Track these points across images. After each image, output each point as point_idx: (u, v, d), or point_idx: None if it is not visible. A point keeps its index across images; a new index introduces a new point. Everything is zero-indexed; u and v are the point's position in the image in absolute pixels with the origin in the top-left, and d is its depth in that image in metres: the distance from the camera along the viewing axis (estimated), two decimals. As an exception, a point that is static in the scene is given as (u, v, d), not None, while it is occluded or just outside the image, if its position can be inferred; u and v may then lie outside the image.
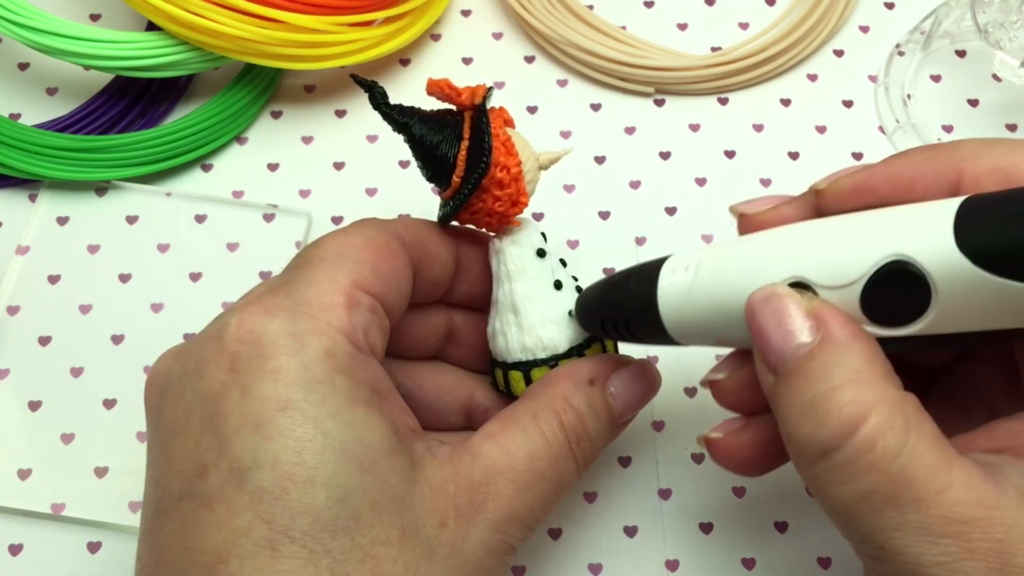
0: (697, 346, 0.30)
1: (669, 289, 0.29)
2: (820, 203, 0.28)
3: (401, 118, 0.31)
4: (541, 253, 0.33)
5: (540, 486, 0.29)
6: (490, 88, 0.31)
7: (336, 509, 0.25)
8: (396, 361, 0.34)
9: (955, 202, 0.24)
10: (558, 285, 0.33)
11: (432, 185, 0.33)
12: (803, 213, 0.29)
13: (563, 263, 0.34)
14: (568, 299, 0.33)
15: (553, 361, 0.33)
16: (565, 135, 0.46)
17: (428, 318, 0.35)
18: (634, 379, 0.32)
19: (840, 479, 0.24)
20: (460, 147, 0.31)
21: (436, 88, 0.32)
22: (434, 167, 0.32)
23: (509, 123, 0.32)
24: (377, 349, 0.29)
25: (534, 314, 0.32)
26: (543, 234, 0.34)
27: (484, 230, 0.34)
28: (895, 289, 0.24)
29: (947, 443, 0.24)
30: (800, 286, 0.26)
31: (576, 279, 0.34)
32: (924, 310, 0.24)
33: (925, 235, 0.24)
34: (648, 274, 0.29)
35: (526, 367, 0.33)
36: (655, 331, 0.29)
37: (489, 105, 0.31)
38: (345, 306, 0.28)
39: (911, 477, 0.23)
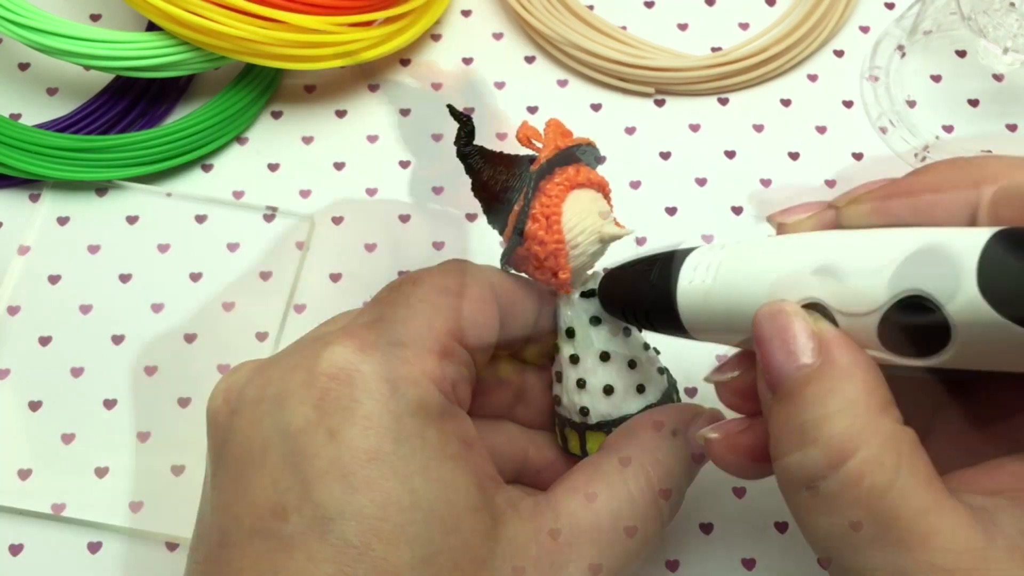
0: (715, 343, 0.30)
1: (688, 289, 0.28)
2: (840, 220, 0.28)
3: (474, 164, 0.31)
4: (595, 321, 0.32)
5: (623, 545, 0.28)
6: (576, 147, 0.31)
7: (419, 570, 0.25)
8: (524, 428, 0.34)
9: (980, 239, 0.23)
10: (604, 357, 0.32)
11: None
12: (828, 225, 0.28)
13: (628, 332, 0.33)
14: (613, 371, 0.32)
15: (607, 427, 0.32)
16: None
17: (500, 374, 0.34)
18: (703, 420, 0.31)
19: (824, 510, 0.24)
20: (513, 209, 0.30)
21: (523, 138, 0.31)
22: (490, 217, 0.31)
23: (585, 184, 0.31)
24: (465, 402, 0.28)
25: (573, 379, 0.32)
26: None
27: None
28: (914, 322, 0.23)
29: (940, 484, 0.24)
30: (816, 306, 0.25)
31: (649, 347, 0.33)
32: (944, 344, 0.23)
33: (947, 275, 0.23)
34: (669, 270, 0.29)
35: (595, 428, 0.32)
36: (673, 327, 0.29)
37: (573, 163, 0.31)
38: (440, 355, 0.27)
39: (897, 516, 0.23)
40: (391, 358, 0.26)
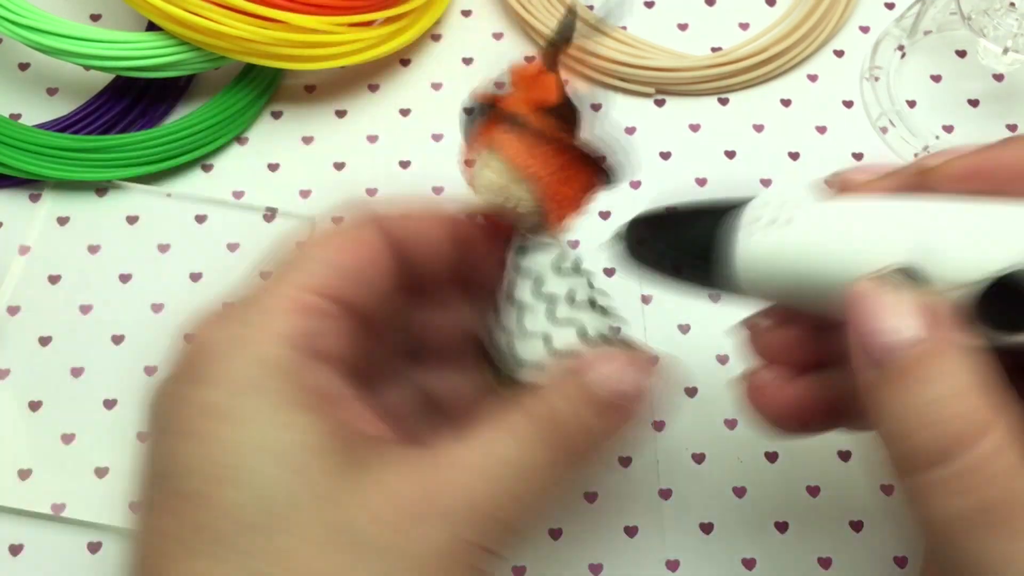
0: (758, 300, 0.28)
1: (753, 240, 0.26)
2: (928, 183, 0.26)
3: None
4: (629, 263, 0.30)
5: (511, 478, 0.27)
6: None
7: (251, 507, 0.25)
8: (420, 366, 0.33)
9: None
10: (570, 299, 0.31)
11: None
12: (908, 189, 0.27)
13: (655, 275, 0.31)
14: (588, 319, 0.31)
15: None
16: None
17: (456, 315, 0.33)
18: (613, 361, 0.29)
19: (952, 490, 0.23)
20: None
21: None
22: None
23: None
24: (332, 351, 0.28)
25: (547, 332, 0.30)
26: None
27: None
28: (1016, 295, 0.23)
29: None
30: (910, 274, 0.24)
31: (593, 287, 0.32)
32: None
33: None
34: (728, 217, 0.27)
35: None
36: (719, 281, 0.27)
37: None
38: (291, 311, 0.27)
39: (1022, 506, 0.22)
40: (238, 322, 0.27)
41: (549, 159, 0.29)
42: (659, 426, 0.40)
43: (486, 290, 0.33)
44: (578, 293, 0.31)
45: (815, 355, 0.29)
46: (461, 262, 0.32)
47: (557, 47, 0.29)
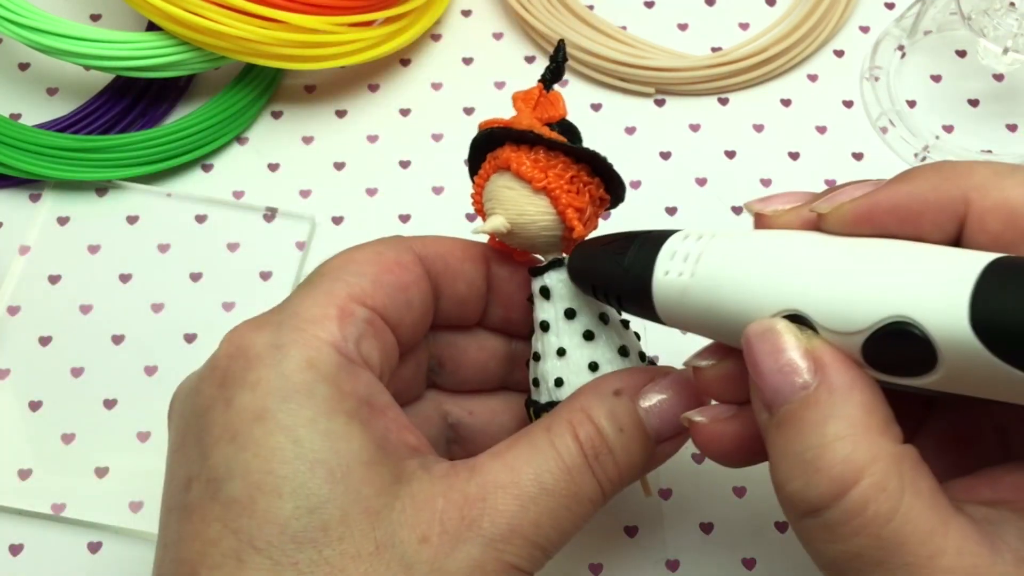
0: (690, 333, 0.29)
1: (665, 282, 0.27)
2: (822, 226, 0.27)
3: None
4: (575, 284, 0.31)
5: (549, 502, 0.27)
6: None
7: (303, 520, 0.25)
8: (452, 395, 0.34)
9: (975, 268, 0.22)
10: (604, 319, 0.31)
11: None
12: (810, 226, 0.27)
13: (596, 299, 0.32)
14: (616, 335, 0.32)
15: None
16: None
17: (483, 343, 0.34)
18: (674, 391, 0.29)
19: (828, 538, 0.23)
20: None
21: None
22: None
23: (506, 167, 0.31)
24: (374, 362, 0.28)
25: (553, 349, 0.31)
26: None
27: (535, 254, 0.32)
28: (899, 345, 0.23)
29: (944, 500, 0.23)
30: (800, 318, 0.24)
31: (627, 323, 0.33)
32: (929, 369, 0.23)
33: (937, 305, 0.22)
34: (645, 256, 0.28)
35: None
36: (647, 314, 0.28)
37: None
38: (336, 318, 0.28)
39: (902, 542, 0.22)
40: (282, 328, 0.27)
41: (561, 172, 0.30)
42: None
43: (510, 319, 0.33)
44: (605, 309, 0.32)
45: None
46: (492, 296, 0.33)
47: (558, 68, 0.29)
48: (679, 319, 0.28)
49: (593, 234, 0.31)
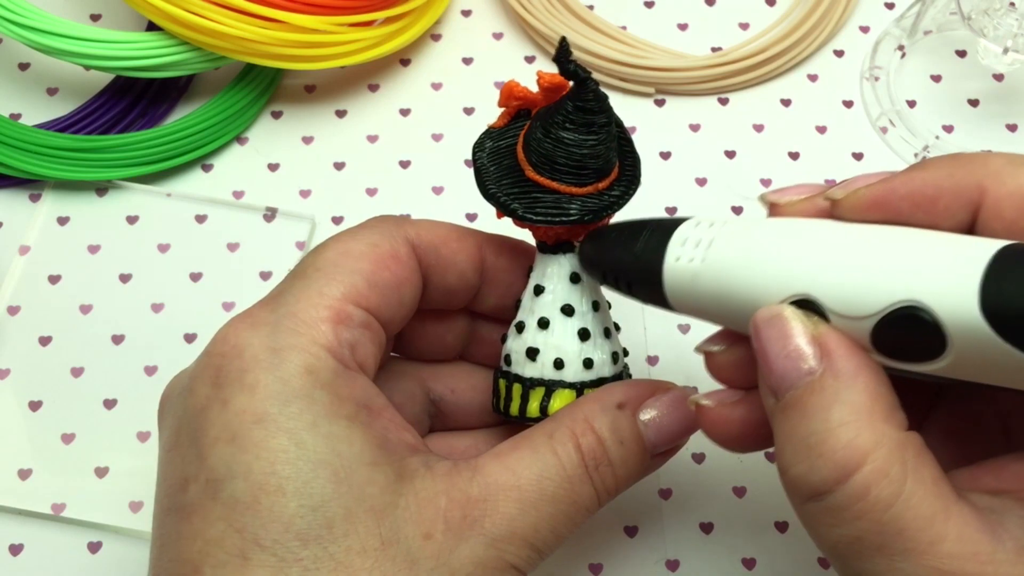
0: (700, 320, 0.29)
1: (676, 267, 0.27)
2: (836, 213, 0.27)
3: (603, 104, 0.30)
4: (585, 271, 0.32)
5: (548, 507, 0.28)
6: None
7: (308, 518, 0.25)
8: (425, 366, 0.34)
9: (986, 253, 0.22)
10: (596, 306, 0.32)
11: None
12: (823, 214, 0.28)
13: (606, 286, 0.32)
14: (605, 321, 0.32)
15: (580, 387, 0.31)
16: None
17: (448, 323, 0.34)
18: (673, 407, 0.30)
19: (830, 522, 0.24)
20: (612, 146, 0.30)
21: (514, 98, 0.31)
22: (603, 161, 0.30)
23: None
24: (367, 365, 0.29)
25: (572, 330, 0.31)
26: None
27: (540, 239, 0.32)
28: (909, 330, 0.23)
29: (947, 488, 0.23)
30: (809, 304, 0.25)
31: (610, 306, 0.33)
32: (938, 355, 0.23)
33: (947, 289, 0.22)
34: (657, 242, 0.28)
35: (550, 386, 0.31)
36: (657, 301, 0.29)
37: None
38: (331, 321, 0.28)
39: (903, 527, 0.23)
40: (278, 329, 0.27)
41: None
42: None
43: (502, 306, 0.33)
44: (597, 297, 0.32)
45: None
46: (486, 286, 0.33)
47: (566, 58, 0.29)
48: (689, 305, 0.28)
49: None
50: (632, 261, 0.29)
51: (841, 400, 0.24)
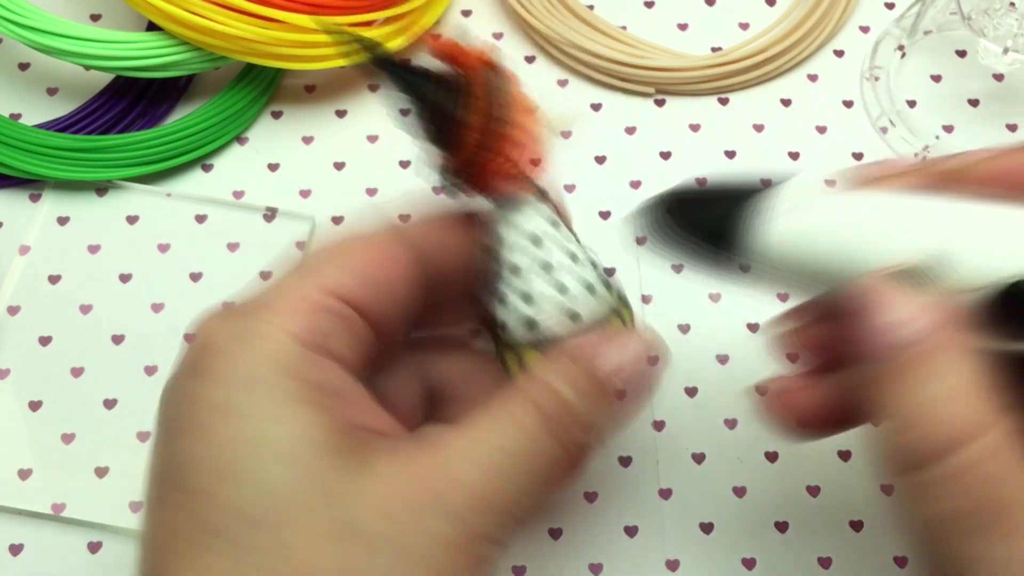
0: (774, 286, 0.29)
1: (774, 223, 0.26)
2: (953, 182, 0.26)
3: (409, 77, 0.29)
4: (555, 223, 0.31)
5: (511, 465, 0.27)
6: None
7: (260, 503, 0.25)
8: (421, 354, 0.33)
9: None
10: (573, 257, 0.31)
11: (436, 160, 0.30)
12: (930, 188, 0.27)
13: (576, 239, 0.32)
14: (586, 271, 0.31)
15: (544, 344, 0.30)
16: (565, 135, 0.46)
17: (452, 302, 0.33)
18: (622, 346, 0.29)
19: (936, 494, 0.23)
20: (475, 105, 0.29)
21: (442, 49, 0.30)
22: (445, 128, 0.29)
23: (515, 83, 0.30)
24: (343, 355, 0.28)
25: (551, 286, 0.30)
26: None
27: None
28: (1020, 305, 0.23)
29: None
30: (921, 273, 0.24)
31: (590, 250, 0.32)
32: None
33: None
34: (750, 200, 0.27)
35: (544, 346, 0.30)
36: (740, 260, 0.28)
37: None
38: (304, 311, 0.27)
39: (1011, 508, 0.22)
40: (248, 319, 0.27)
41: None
42: (659, 426, 0.40)
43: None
44: (570, 246, 0.31)
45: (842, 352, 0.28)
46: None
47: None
48: (784, 266, 0.27)
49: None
50: (720, 216, 0.28)
51: (954, 371, 0.23)
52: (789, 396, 0.28)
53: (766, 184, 0.28)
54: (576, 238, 0.32)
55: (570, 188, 0.44)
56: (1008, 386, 0.24)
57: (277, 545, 0.25)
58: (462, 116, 0.29)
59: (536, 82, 0.47)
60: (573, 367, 0.29)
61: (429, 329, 0.33)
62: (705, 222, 0.28)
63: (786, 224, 0.26)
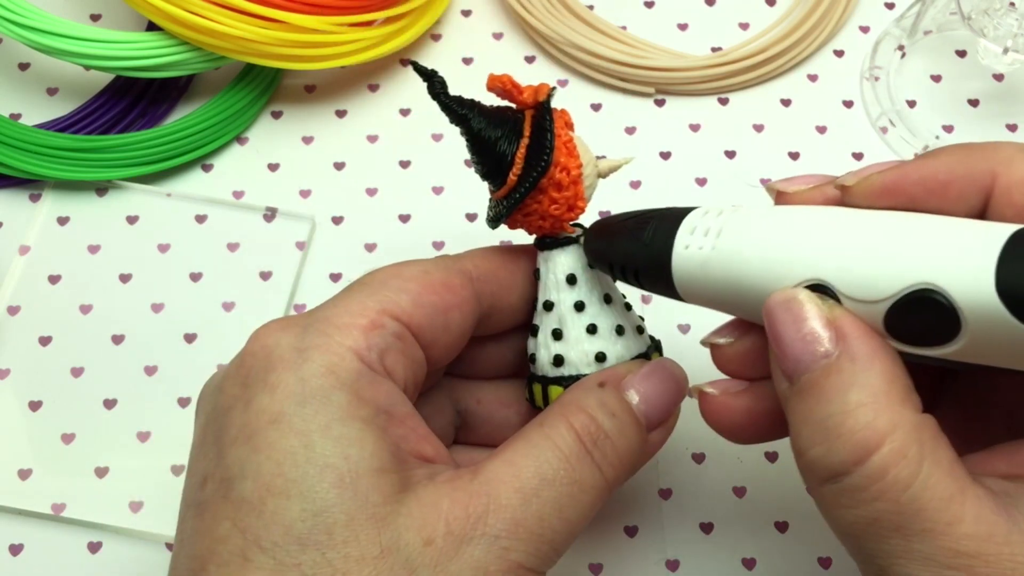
0: (708, 309, 0.29)
1: (685, 255, 0.27)
2: (847, 199, 0.27)
3: (460, 110, 0.30)
4: (591, 265, 0.32)
5: (550, 492, 0.27)
6: (553, 88, 0.30)
7: (309, 522, 0.25)
8: (455, 379, 0.34)
9: (1001, 236, 0.22)
10: (607, 299, 0.32)
11: (487, 185, 0.31)
12: (833, 202, 0.28)
13: (613, 278, 0.33)
14: (618, 314, 0.32)
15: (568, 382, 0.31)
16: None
17: (509, 342, 0.34)
18: (650, 376, 0.30)
19: (847, 503, 0.24)
20: (520, 144, 0.29)
21: (497, 84, 0.30)
22: (491, 163, 0.30)
23: (570, 126, 0.31)
24: (398, 374, 0.28)
25: (581, 326, 0.31)
26: None
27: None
28: (923, 313, 0.23)
29: (962, 470, 0.24)
30: (822, 288, 0.25)
31: (625, 296, 0.33)
32: (952, 338, 0.23)
33: (963, 271, 0.22)
34: (665, 231, 0.28)
35: (568, 382, 0.31)
36: (665, 289, 0.29)
37: (552, 105, 0.30)
38: (364, 327, 0.28)
39: (921, 508, 0.23)
40: (307, 331, 0.28)
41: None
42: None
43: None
44: (606, 288, 0.32)
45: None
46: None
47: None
48: (699, 293, 0.28)
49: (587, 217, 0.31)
50: (640, 251, 0.29)
51: (858, 382, 0.24)
52: (718, 402, 0.29)
53: (680, 212, 0.28)
54: (612, 280, 0.32)
55: (570, 188, 0.44)
56: (921, 387, 0.25)
57: (322, 565, 0.25)
58: (508, 152, 0.30)
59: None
60: (603, 392, 0.30)
61: (471, 362, 0.34)
62: (628, 253, 0.29)
63: (693, 253, 0.27)
